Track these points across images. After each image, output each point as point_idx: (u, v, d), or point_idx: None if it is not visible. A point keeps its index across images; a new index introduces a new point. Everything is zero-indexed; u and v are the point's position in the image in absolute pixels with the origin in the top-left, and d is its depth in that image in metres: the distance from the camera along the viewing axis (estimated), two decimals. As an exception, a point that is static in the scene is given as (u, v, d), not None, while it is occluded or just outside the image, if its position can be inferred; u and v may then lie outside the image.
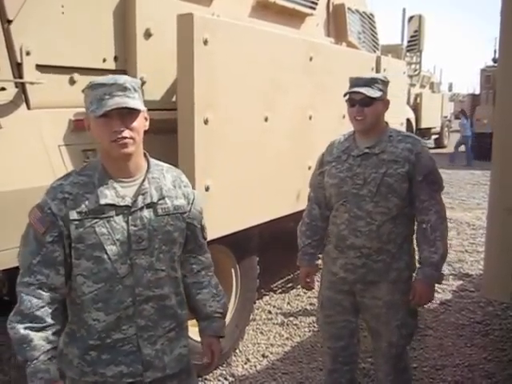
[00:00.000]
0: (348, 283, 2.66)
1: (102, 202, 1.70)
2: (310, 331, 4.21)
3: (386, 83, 2.60)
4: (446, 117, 19.93)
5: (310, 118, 4.02)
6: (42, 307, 1.68)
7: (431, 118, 16.98)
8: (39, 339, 1.65)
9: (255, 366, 3.72)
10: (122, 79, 1.72)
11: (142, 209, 1.75)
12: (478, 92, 18.44)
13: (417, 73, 9.42)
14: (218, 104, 3.07)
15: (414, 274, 2.65)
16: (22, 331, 1.64)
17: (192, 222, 1.92)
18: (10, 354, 3.82)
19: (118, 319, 1.74)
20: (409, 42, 7.69)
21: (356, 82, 2.56)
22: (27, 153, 2.58)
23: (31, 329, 1.65)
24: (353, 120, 2.59)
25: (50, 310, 1.69)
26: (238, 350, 3.88)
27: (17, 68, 2.59)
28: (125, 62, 3.08)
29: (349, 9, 5.57)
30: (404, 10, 8.66)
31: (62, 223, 1.69)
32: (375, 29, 6.38)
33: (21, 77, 2.59)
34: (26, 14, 2.59)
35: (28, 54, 2.59)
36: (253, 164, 3.43)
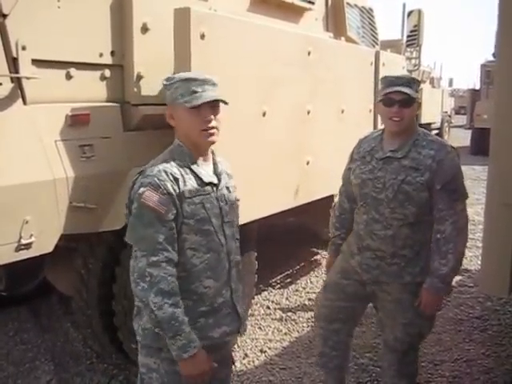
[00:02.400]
0: (362, 278, 2.70)
1: (206, 180, 1.95)
2: (308, 326, 4.21)
3: (419, 84, 2.57)
4: (446, 112, 19.88)
5: (309, 112, 4.00)
6: (174, 282, 1.83)
7: (431, 114, 16.91)
8: (182, 314, 1.82)
9: (253, 361, 3.72)
10: (209, 76, 1.96)
11: (222, 188, 2.02)
12: (478, 87, 18.38)
13: (416, 68, 9.36)
14: (215, 99, 3.06)
15: None
16: (170, 309, 1.79)
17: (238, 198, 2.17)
18: (8, 349, 3.83)
19: (221, 286, 1.97)
20: (408, 36, 7.65)
21: (396, 81, 2.48)
22: (23, 148, 2.57)
23: (175, 306, 1.81)
24: (387, 121, 2.53)
25: (177, 284, 1.84)
26: (236, 345, 3.88)
27: (13, 63, 2.58)
28: (122, 56, 3.07)
29: (348, 3, 5.54)
30: (404, 4, 8.61)
31: (178, 202, 1.86)
32: (374, 23, 6.35)
33: (17, 72, 2.58)
34: (21, 9, 2.58)
35: (24, 48, 2.58)
36: (251, 159, 3.42)
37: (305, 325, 4.24)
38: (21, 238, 2.57)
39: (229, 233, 2.01)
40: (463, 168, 9.70)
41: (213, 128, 1.94)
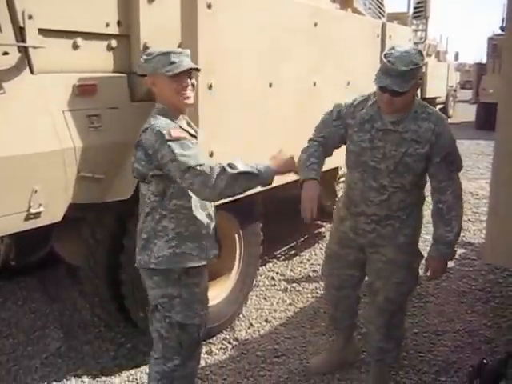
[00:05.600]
0: (358, 243, 2.79)
1: (192, 132, 2.39)
2: (312, 297, 4.26)
3: (420, 68, 2.43)
4: (451, 86, 19.70)
5: (315, 84, 3.99)
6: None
7: (436, 88, 16.73)
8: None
9: (258, 331, 3.78)
10: (183, 49, 2.40)
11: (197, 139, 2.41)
12: (484, 61, 18.17)
13: (423, 40, 9.27)
14: (221, 69, 3.06)
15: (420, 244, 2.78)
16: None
17: None
18: (17, 318, 3.90)
19: (208, 216, 2.43)
20: (415, 8, 7.57)
21: (389, 70, 2.36)
22: (31, 118, 2.58)
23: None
24: (380, 101, 2.50)
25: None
26: (241, 315, 3.94)
27: (19, 32, 2.57)
28: (128, 26, 3.05)
29: (355, -26, 5.47)
30: (411, -24, 8.49)
31: None
32: (381, -5, 6.28)
33: (23, 41, 2.57)
34: (28, -23, 2.56)
35: (30, 17, 2.56)
36: (257, 130, 3.42)
37: (309, 295, 4.29)
38: (30, 207, 2.60)
39: None
40: (468, 143, 9.72)
41: (189, 92, 2.31)
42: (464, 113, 19.82)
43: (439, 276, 2.73)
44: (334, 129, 2.73)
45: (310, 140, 2.81)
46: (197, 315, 2.41)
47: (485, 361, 2.62)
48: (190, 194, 2.28)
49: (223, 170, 2.17)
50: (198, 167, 2.15)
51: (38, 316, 3.93)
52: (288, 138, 3.74)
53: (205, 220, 2.38)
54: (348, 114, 2.69)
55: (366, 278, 2.95)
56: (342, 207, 2.84)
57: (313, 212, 2.49)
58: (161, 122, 2.24)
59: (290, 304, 4.18)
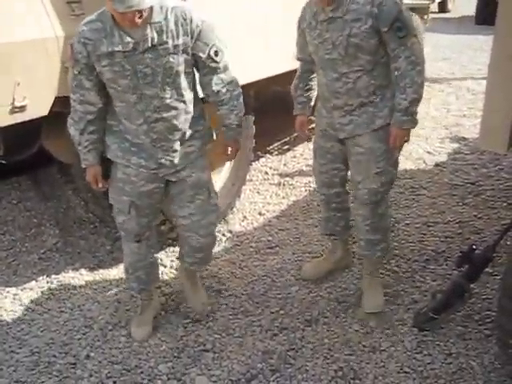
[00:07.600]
0: (338, 137, 2.80)
1: (114, 48, 2.19)
2: (305, 191, 4.29)
3: None
4: (451, -22, 18.85)
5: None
6: (82, 117, 2.38)
7: (436, -20, 16.06)
8: (80, 138, 2.41)
9: (252, 224, 3.84)
10: None
11: (144, 51, 2.21)
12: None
13: None
14: None
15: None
16: (73, 131, 2.42)
17: (196, 53, 2.34)
18: (13, 216, 3.93)
19: (136, 130, 2.40)
20: None
21: None
22: (7, 4, 2.45)
23: (77, 130, 2.40)
24: None
25: (90, 118, 2.38)
26: (235, 209, 3.98)
27: None
28: None
29: None
30: None
31: (86, 61, 2.23)
32: None
33: None
34: None
35: None
36: (248, 18, 3.28)
37: (302, 189, 4.31)
38: (14, 100, 2.54)
39: (149, 92, 2.29)
40: (465, 38, 9.33)
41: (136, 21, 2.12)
42: (465, 7, 19.13)
43: (399, 145, 2.68)
44: (303, 40, 2.78)
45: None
46: (109, 196, 2.63)
47: (474, 246, 2.66)
48: (117, 101, 2.36)
49: (72, 123, 2.43)
50: (70, 100, 2.39)
51: (34, 214, 3.97)
52: (279, 27, 3.60)
53: (132, 127, 2.40)
54: (302, 21, 2.75)
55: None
56: (321, 106, 2.85)
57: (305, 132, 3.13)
58: (80, 29, 2.24)
59: (284, 197, 4.22)
